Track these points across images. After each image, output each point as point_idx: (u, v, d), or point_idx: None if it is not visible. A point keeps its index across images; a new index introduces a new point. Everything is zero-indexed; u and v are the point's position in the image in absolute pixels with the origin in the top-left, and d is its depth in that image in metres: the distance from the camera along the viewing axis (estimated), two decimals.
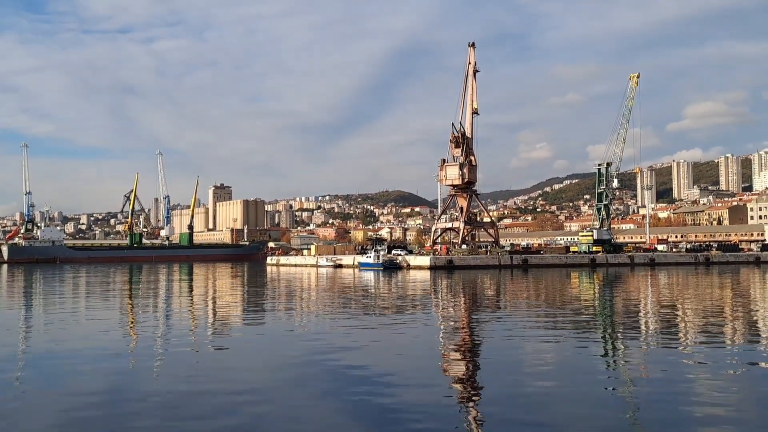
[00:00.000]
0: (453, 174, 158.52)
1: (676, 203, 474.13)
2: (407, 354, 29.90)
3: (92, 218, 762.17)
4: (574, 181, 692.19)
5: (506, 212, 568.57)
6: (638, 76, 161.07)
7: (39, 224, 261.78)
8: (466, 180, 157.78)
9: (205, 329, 39.44)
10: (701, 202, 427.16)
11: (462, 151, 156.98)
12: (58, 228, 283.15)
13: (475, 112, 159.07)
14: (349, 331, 37.21)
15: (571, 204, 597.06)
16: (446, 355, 29.59)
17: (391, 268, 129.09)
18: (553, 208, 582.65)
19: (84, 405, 20.15)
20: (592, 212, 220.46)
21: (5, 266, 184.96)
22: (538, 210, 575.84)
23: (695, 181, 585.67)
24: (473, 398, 21.31)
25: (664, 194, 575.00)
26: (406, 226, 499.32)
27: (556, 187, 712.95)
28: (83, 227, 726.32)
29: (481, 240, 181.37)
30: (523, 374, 24.58)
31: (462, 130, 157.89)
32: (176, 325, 42.00)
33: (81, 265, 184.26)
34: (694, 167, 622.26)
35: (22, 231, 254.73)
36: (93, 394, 21.44)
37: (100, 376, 24.48)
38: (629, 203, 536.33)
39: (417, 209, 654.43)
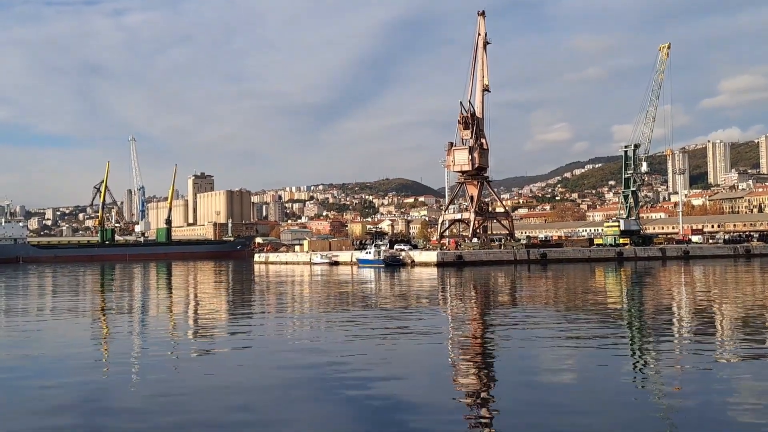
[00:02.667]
0: (462, 159, 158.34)
1: (712, 189, 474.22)
2: (413, 361, 29.81)
3: (58, 213, 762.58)
4: (596, 166, 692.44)
5: (521, 201, 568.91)
6: (669, 47, 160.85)
7: None
8: (476, 165, 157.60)
9: (186, 337, 39.37)
10: (740, 187, 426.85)
11: (472, 133, 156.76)
12: (21, 224, 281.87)
13: (486, 90, 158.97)
14: (348, 336, 37.13)
15: (593, 191, 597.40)
16: (456, 363, 29.49)
17: (393, 264, 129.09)
18: (574, 195, 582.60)
19: (51, 424, 20.10)
20: (617, 200, 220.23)
21: None
22: (557, 198, 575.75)
23: (733, 164, 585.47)
24: (486, 409, 21.24)
25: (698, 179, 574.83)
26: (409, 217, 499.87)
27: (577, 172, 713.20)
28: (48, 223, 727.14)
29: (494, 232, 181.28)
30: (541, 384, 24.44)
31: (471, 109, 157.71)
32: (153, 333, 41.80)
33: (47, 265, 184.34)
34: (732, 148, 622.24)
35: None
36: (62, 411, 21.40)
37: (69, 390, 24.32)
38: (659, 189, 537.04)
39: (421, 199, 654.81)
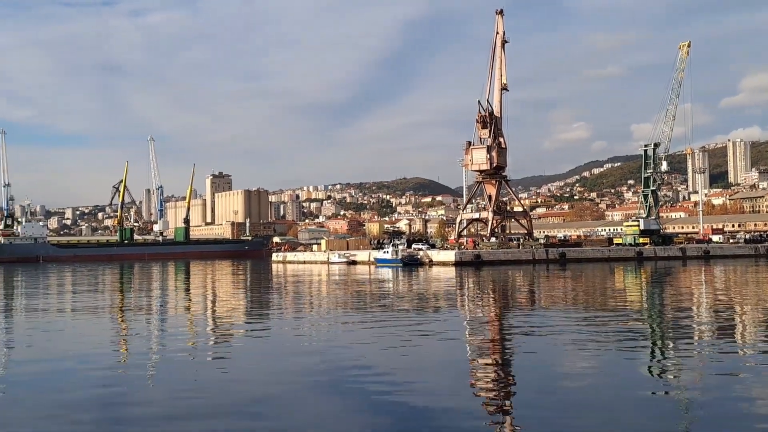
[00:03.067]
0: (480, 158, 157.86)
1: (732, 188, 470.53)
2: (431, 362, 29.73)
3: (78, 212, 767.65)
4: (615, 165, 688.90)
5: (539, 200, 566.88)
6: (689, 45, 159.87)
7: (19, 219, 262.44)
8: (494, 164, 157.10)
9: (205, 337, 39.32)
10: (761, 186, 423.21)
11: (490, 132, 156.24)
12: (41, 223, 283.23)
13: (504, 89, 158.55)
14: (366, 337, 36.98)
15: (612, 190, 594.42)
16: (475, 365, 29.26)
17: (411, 264, 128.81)
18: (593, 195, 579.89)
19: (72, 422, 20.14)
20: (636, 199, 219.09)
21: None
22: (575, 197, 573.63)
23: (753, 163, 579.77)
24: (503, 411, 21.12)
25: (718, 178, 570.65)
26: (426, 217, 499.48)
27: (596, 171, 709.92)
28: (68, 222, 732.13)
29: (512, 232, 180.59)
30: (559, 387, 24.15)
31: (489, 108, 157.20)
32: (173, 332, 41.73)
33: (66, 265, 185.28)
34: (753, 147, 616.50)
35: (1, 227, 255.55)
36: (82, 411, 21.42)
37: (89, 390, 24.32)
38: (679, 189, 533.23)
39: (438, 198, 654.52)
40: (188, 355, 32.12)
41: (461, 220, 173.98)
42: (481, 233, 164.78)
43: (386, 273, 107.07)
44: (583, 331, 37.69)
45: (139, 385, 25.37)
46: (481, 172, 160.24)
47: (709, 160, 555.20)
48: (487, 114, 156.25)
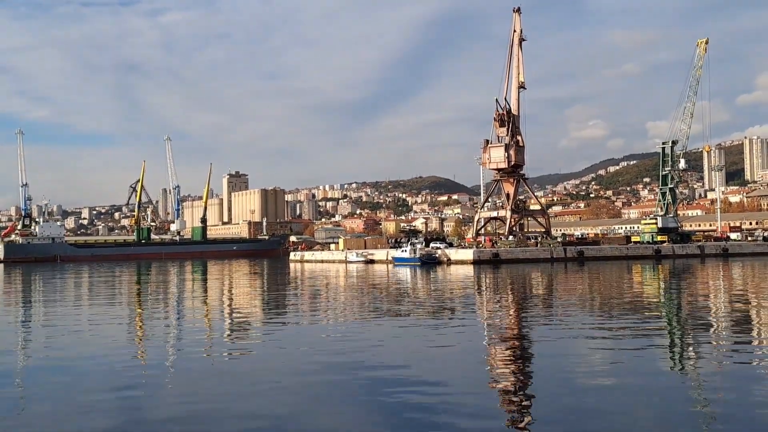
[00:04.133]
0: (498, 156, 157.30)
1: (749, 186, 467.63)
2: (450, 361, 29.48)
3: (94, 212, 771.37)
4: (631, 163, 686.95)
5: (555, 199, 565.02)
6: (707, 42, 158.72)
7: (37, 219, 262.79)
8: (512, 162, 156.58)
9: (223, 336, 39.00)
10: None
11: (508, 130, 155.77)
12: (58, 223, 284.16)
13: (521, 87, 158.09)
14: (390, 335, 36.72)
15: (628, 188, 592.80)
16: (493, 363, 28.93)
17: (429, 263, 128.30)
18: (609, 193, 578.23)
19: (90, 423, 19.94)
20: (653, 197, 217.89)
21: (1, 266, 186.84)
22: (591, 195, 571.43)
23: None
24: (521, 411, 21.04)
25: (734, 176, 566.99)
26: (443, 215, 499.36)
27: (612, 169, 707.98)
28: (85, 222, 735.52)
29: (529, 230, 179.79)
30: (577, 387, 23.83)
31: (507, 106, 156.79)
32: (191, 331, 41.54)
33: (84, 264, 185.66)
34: None
35: (19, 227, 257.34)
36: (99, 411, 21.32)
37: (107, 392, 24.07)
38: (695, 186, 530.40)
39: (455, 197, 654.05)
40: (206, 355, 31.88)
41: (479, 219, 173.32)
42: (499, 232, 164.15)
43: (404, 272, 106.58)
44: (601, 330, 37.39)
45: (156, 385, 25.16)
46: (499, 170, 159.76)
47: (725, 158, 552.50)
48: (504, 112, 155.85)
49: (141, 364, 30.01)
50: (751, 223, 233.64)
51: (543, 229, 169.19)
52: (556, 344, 32.97)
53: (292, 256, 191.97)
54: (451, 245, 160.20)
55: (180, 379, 26.43)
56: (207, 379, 26.16)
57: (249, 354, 32.39)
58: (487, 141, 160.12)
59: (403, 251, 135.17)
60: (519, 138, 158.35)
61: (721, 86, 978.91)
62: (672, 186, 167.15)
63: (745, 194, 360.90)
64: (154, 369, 28.39)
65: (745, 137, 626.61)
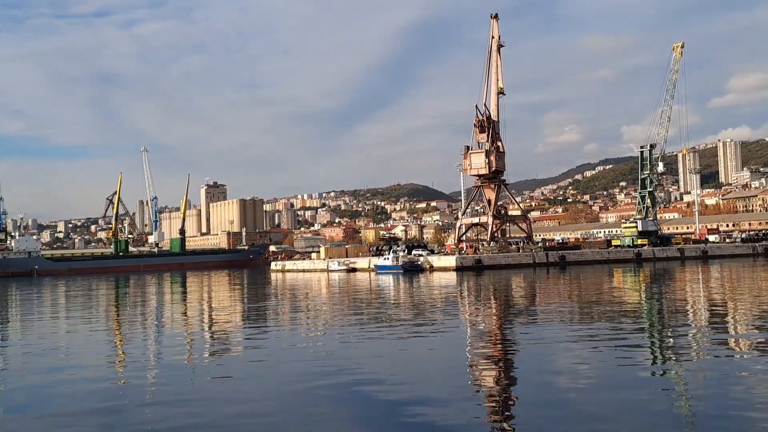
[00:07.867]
0: (479, 162, 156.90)
1: (724, 188, 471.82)
2: (433, 370, 29.45)
3: (70, 225, 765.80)
4: (607, 167, 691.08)
5: (533, 204, 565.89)
6: (682, 46, 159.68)
7: (12, 234, 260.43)
8: (493, 168, 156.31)
9: (202, 350, 38.68)
10: (753, 185, 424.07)
11: (488, 136, 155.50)
12: (34, 237, 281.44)
13: (500, 93, 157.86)
14: (374, 344, 36.66)
15: (605, 192, 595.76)
16: (475, 372, 28.92)
17: (412, 270, 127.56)
18: (586, 197, 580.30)
19: None
20: (629, 201, 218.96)
21: None
22: (568, 200, 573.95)
23: (744, 163, 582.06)
24: (504, 416, 21.18)
25: (709, 178, 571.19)
26: (422, 223, 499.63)
27: (588, 174, 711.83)
28: (60, 235, 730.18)
29: (511, 236, 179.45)
30: (562, 390, 24.06)
31: (487, 112, 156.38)
32: (170, 345, 41.09)
33: (61, 278, 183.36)
34: (743, 147, 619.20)
35: None
36: (79, 425, 21.27)
37: (87, 404, 23.96)
38: (671, 190, 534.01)
39: (433, 204, 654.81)
40: (187, 363, 32.12)
41: (461, 225, 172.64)
42: (480, 238, 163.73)
43: (387, 280, 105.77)
44: (584, 335, 37.63)
45: (137, 398, 24.84)
46: (479, 176, 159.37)
47: (700, 161, 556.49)
48: (484, 118, 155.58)
49: (120, 384, 29.15)
50: (728, 225, 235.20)
51: (524, 235, 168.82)
52: (539, 348, 33.20)
53: (273, 266, 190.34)
54: (433, 252, 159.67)
55: (160, 396, 25.87)
56: (186, 395, 25.77)
57: (230, 368, 31.83)
58: (468, 147, 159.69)
59: (385, 259, 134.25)
60: (499, 144, 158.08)
61: (694, 90, 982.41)
62: (651, 189, 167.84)
63: (720, 197, 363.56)
64: (134, 389, 27.55)
65: (719, 140, 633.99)
